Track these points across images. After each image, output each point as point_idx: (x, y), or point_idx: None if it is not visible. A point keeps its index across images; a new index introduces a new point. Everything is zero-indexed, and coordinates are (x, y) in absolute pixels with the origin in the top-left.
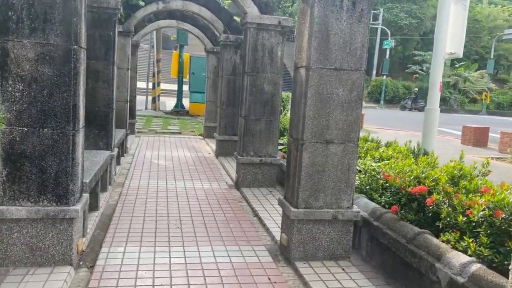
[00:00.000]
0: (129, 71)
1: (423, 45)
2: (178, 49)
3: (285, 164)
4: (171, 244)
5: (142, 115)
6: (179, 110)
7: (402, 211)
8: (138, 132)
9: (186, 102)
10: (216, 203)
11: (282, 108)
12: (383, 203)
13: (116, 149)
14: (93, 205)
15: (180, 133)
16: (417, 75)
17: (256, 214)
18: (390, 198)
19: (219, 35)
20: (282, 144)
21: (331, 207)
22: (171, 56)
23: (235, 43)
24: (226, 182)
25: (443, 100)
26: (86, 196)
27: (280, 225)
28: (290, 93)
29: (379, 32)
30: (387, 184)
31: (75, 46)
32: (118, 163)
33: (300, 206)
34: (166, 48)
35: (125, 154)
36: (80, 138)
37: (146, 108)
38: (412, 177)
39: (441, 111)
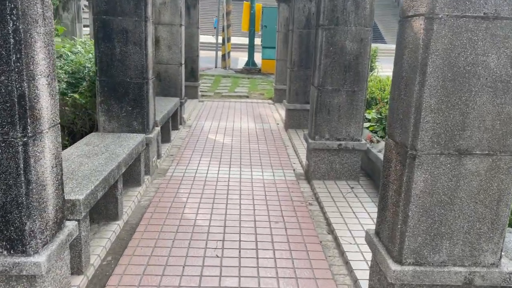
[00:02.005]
0: (182, 27)
1: None
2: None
3: (373, 151)
4: None
5: (210, 75)
6: (250, 68)
7: None
8: (202, 96)
9: (258, 58)
10: (276, 207)
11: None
12: None
13: (156, 129)
14: (111, 214)
15: (247, 97)
16: None
17: (331, 231)
18: None
19: None
20: (368, 121)
21: (463, 264)
22: (242, 8)
23: None
24: (294, 170)
25: None
26: (68, 229)
27: (369, 264)
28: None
29: None
30: None
31: None
32: (168, 140)
33: (406, 260)
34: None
35: (180, 126)
36: (44, 146)
37: (216, 67)
38: None
39: None
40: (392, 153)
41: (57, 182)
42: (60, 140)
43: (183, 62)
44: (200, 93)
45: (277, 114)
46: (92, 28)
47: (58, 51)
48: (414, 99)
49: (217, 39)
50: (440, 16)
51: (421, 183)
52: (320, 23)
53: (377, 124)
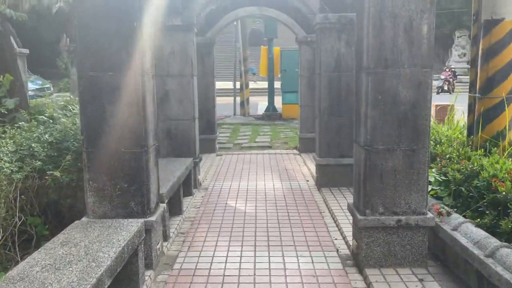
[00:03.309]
0: (194, 77)
1: None
2: (267, 43)
3: (444, 227)
4: None
5: (229, 123)
6: (271, 114)
7: None
8: (220, 148)
9: (278, 103)
10: None
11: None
12: None
13: (160, 207)
14: None
15: (270, 147)
16: None
17: None
18: None
19: (313, 17)
20: (430, 183)
21: None
22: (259, 53)
23: (338, 24)
24: (338, 250)
25: None
26: None
27: None
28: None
29: None
30: None
31: None
32: (179, 211)
33: None
34: (254, 44)
35: (194, 190)
36: None
37: (234, 114)
38: None
39: None
40: None
41: None
42: None
43: (196, 116)
44: (217, 146)
45: (305, 167)
46: (77, 88)
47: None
48: None
49: (234, 86)
50: None
51: None
52: (363, 65)
53: (441, 188)
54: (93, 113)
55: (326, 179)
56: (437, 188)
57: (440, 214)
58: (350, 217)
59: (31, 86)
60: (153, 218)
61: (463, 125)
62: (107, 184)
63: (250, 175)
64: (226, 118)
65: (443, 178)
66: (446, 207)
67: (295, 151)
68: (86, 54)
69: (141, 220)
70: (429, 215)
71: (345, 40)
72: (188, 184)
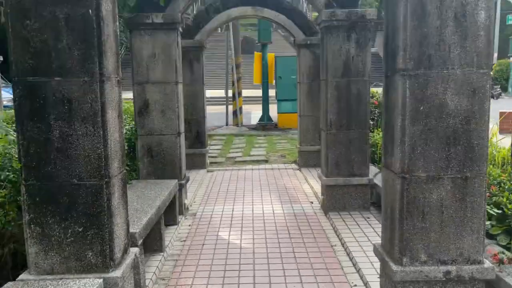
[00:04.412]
0: (179, 85)
1: None
2: (261, 49)
3: (504, 279)
4: None
5: (221, 134)
6: (265, 124)
7: None
8: (211, 163)
9: (273, 112)
10: None
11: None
12: None
13: (130, 254)
14: None
15: (266, 161)
16: None
17: None
18: None
19: (318, 15)
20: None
21: None
22: (252, 61)
23: (347, 21)
24: None
25: None
26: None
27: None
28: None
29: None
30: None
31: None
32: (160, 248)
33: None
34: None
35: (180, 218)
36: None
37: (227, 124)
38: None
39: None
40: None
41: None
42: None
43: (182, 130)
44: (208, 161)
45: (307, 185)
46: (13, 98)
47: None
48: None
49: (226, 94)
50: None
51: None
52: (398, 67)
53: (492, 223)
54: (34, 132)
55: (333, 201)
56: (495, 225)
57: (500, 262)
58: (368, 252)
59: (6, 95)
60: (117, 274)
61: None
62: (54, 228)
63: (245, 196)
64: (217, 129)
65: (495, 210)
66: (507, 252)
67: (294, 165)
68: (23, 52)
69: (99, 280)
70: (487, 264)
71: (355, 40)
72: (172, 211)
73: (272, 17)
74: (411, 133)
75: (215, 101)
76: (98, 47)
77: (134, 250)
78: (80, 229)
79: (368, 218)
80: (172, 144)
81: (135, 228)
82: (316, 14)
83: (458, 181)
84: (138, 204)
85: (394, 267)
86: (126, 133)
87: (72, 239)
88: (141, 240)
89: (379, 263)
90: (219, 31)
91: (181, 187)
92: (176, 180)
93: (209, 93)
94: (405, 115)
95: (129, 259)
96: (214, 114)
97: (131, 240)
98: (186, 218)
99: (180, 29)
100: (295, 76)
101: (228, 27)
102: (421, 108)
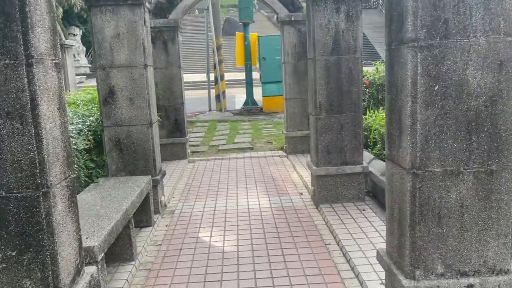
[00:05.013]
0: (149, 68)
1: None
2: (243, 29)
3: None
4: None
5: (203, 121)
6: (250, 108)
7: None
8: (193, 152)
9: (258, 95)
10: None
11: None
12: None
13: (85, 279)
14: None
15: (252, 148)
16: None
17: None
18: None
19: None
20: None
21: None
22: (235, 43)
23: None
24: None
25: None
26: None
27: None
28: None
29: None
30: None
31: None
32: (131, 257)
33: None
34: (229, 33)
35: (155, 218)
36: None
37: (210, 110)
38: None
39: None
40: None
41: None
42: None
43: (154, 120)
44: (189, 151)
45: (295, 174)
46: None
47: None
48: None
49: (208, 79)
50: None
51: None
52: (406, 36)
53: None
54: None
55: (325, 192)
56: None
57: None
58: (367, 252)
59: None
60: None
61: None
62: None
63: (229, 189)
64: (200, 115)
65: None
66: None
67: (281, 152)
68: None
69: None
70: None
71: (345, 13)
72: (146, 211)
73: None
74: (423, 119)
75: (197, 85)
76: (21, 21)
77: (90, 270)
78: (14, 253)
79: (364, 210)
80: (143, 136)
81: (93, 241)
82: None
83: (482, 175)
84: (102, 209)
85: (405, 281)
86: (91, 125)
87: (4, 265)
88: (102, 255)
89: (379, 265)
90: (197, 13)
91: (156, 183)
92: (150, 176)
93: (191, 77)
94: (416, 97)
95: (82, 283)
96: (197, 99)
97: (89, 256)
98: (163, 217)
99: (148, 4)
100: (280, 56)
101: (208, 9)
102: (436, 87)
